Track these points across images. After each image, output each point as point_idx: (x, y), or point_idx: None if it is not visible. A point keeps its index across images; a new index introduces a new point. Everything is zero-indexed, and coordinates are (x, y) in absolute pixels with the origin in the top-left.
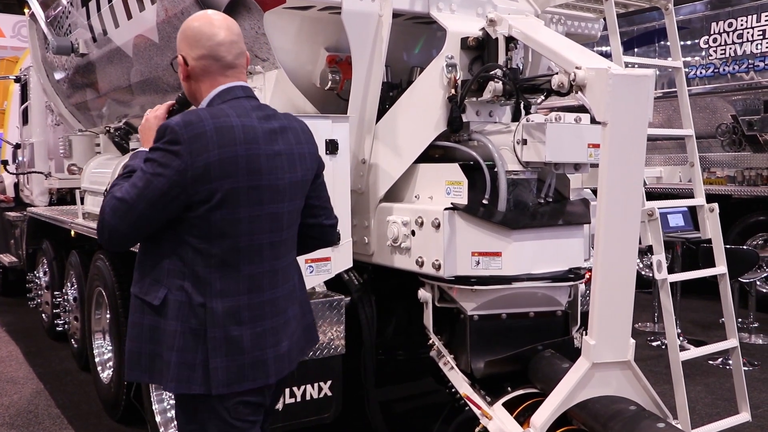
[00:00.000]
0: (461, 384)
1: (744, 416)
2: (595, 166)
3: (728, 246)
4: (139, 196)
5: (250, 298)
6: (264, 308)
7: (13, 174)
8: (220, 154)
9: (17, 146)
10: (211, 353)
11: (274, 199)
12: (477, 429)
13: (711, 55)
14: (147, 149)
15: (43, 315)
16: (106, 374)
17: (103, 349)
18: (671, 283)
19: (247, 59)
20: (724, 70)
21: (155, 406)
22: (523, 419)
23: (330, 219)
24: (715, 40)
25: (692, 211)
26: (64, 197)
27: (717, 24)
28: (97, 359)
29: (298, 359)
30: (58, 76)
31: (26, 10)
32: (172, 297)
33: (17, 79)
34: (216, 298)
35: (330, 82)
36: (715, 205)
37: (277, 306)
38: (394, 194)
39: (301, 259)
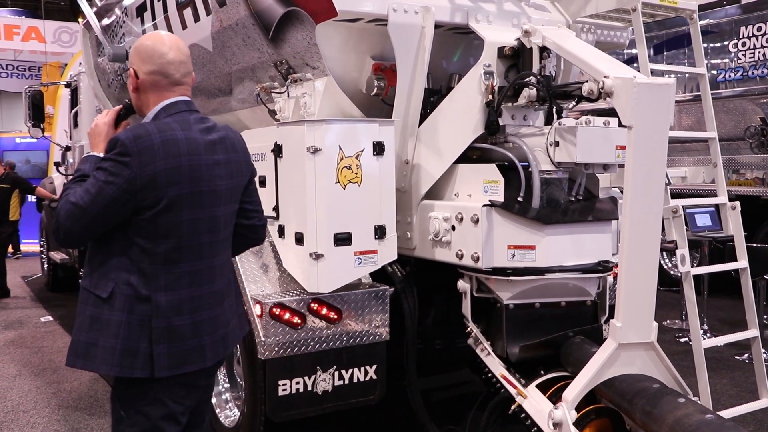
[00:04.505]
0: (498, 367)
1: (765, 402)
2: (622, 166)
3: (754, 245)
4: (93, 201)
5: (191, 292)
6: (203, 300)
7: (64, 175)
8: (165, 164)
9: (66, 149)
10: (154, 341)
11: (213, 203)
12: (513, 407)
13: (740, 59)
14: (96, 153)
15: None
16: None
17: None
18: (698, 280)
19: (192, 78)
20: (753, 73)
21: None
22: (555, 399)
23: (261, 220)
24: (744, 44)
25: (719, 210)
26: None
27: (746, 28)
28: None
29: (234, 344)
30: (109, 81)
31: (80, 19)
32: (119, 290)
33: (68, 84)
34: (160, 291)
35: (376, 89)
36: (737, 203)
37: (215, 298)
38: (435, 192)
39: (349, 252)
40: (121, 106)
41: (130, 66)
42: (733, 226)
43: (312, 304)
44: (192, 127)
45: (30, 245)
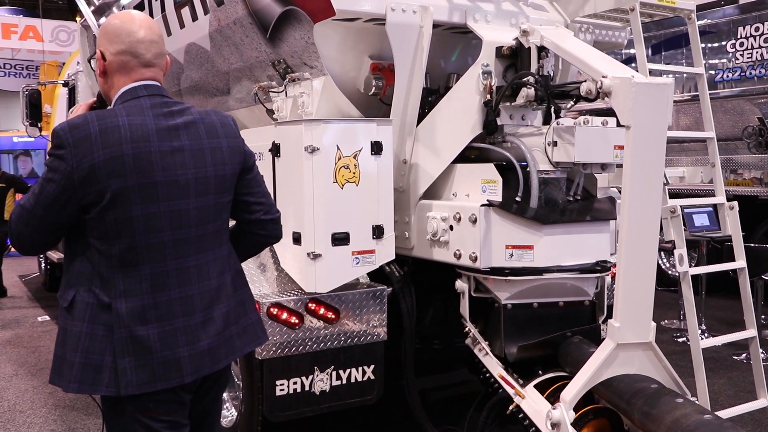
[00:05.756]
0: (496, 367)
1: (762, 402)
2: (620, 166)
3: (752, 245)
4: (36, 202)
5: (156, 297)
6: (173, 307)
7: None
8: (104, 154)
9: None
10: (118, 354)
11: (174, 195)
12: (511, 407)
13: (738, 59)
14: None
15: None
16: None
17: None
18: (696, 279)
19: (167, 63)
20: (750, 73)
21: None
22: (553, 399)
23: (269, 214)
24: (742, 44)
25: (717, 210)
26: None
27: (744, 28)
28: None
29: (230, 357)
30: None
31: (78, 18)
32: (80, 298)
33: (65, 84)
34: (120, 298)
35: (373, 88)
36: (735, 203)
37: (191, 304)
38: (432, 192)
39: (347, 251)
40: (94, 99)
41: (97, 49)
42: (732, 226)
43: (310, 304)
44: (145, 112)
45: None
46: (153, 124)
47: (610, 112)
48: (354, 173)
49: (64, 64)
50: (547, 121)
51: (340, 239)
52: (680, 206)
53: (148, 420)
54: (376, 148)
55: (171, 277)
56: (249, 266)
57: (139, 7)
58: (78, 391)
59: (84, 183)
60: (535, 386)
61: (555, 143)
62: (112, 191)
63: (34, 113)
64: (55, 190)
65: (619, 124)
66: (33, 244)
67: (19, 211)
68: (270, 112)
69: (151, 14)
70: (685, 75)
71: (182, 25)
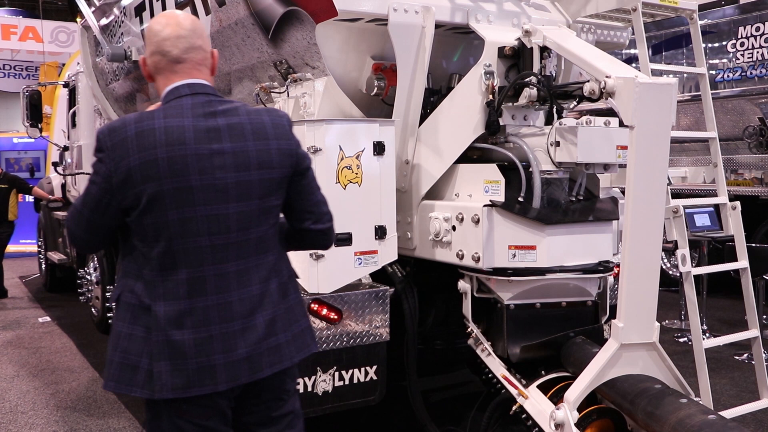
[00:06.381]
0: (498, 368)
1: (764, 402)
2: (623, 166)
3: (753, 245)
4: (83, 203)
5: (192, 303)
6: (209, 313)
7: (62, 175)
8: (140, 158)
9: (65, 149)
10: (154, 357)
11: (212, 199)
12: (514, 407)
13: (738, 59)
14: None
15: (93, 309)
16: None
17: None
18: (697, 280)
19: (212, 56)
20: (751, 73)
21: None
22: (556, 400)
23: (319, 223)
24: (742, 44)
25: (718, 210)
26: None
27: (745, 28)
28: None
29: (276, 367)
30: (107, 81)
31: (78, 19)
32: (124, 299)
33: (65, 84)
34: (159, 301)
35: (376, 89)
36: (737, 203)
37: (230, 311)
38: (435, 192)
39: (350, 252)
40: (160, 102)
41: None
42: (734, 226)
43: (312, 305)
44: (184, 113)
45: (28, 245)
46: (191, 125)
47: (610, 113)
48: (356, 174)
49: (64, 65)
50: (549, 121)
51: (343, 240)
52: (682, 206)
53: (184, 422)
54: (379, 148)
55: (209, 282)
56: None
57: (141, 7)
58: (115, 390)
59: (122, 186)
60: (538, 387)
61: (557, 143)
62: (147, 195)
63: (35, 114)
64: (97, 192)
65: (621, 124)
66: (85, 242)
67: (71, 211)
68: None
69: (152, 15)
70: (685, 75)
71: None
